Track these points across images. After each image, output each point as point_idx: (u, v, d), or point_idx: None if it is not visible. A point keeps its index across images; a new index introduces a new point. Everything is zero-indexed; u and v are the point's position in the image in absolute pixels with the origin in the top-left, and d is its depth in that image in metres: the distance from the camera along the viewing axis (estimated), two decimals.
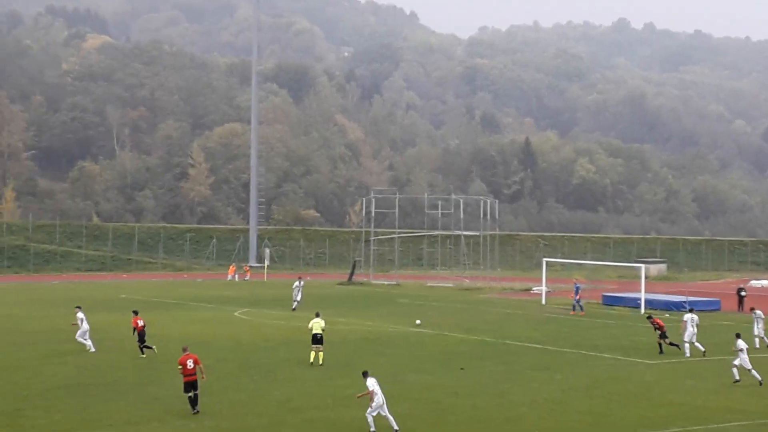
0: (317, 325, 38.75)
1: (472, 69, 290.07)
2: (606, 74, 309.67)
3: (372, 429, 26.79)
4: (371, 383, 27.36)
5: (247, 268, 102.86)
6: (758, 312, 45.82)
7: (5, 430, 26.57)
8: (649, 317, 45.38)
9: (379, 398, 27.11)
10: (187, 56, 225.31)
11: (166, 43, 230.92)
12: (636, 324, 46.37)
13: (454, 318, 58.43)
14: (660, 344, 42.94)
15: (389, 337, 48.41)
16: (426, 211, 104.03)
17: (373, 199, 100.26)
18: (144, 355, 40.48)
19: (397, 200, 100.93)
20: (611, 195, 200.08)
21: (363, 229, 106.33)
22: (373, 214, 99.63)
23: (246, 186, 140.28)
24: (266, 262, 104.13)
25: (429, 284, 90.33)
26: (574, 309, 61.85)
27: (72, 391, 31.48)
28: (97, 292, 77.59)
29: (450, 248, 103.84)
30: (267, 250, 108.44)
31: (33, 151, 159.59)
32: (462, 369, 38.04)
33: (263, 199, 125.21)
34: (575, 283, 64.20)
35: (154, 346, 40.77)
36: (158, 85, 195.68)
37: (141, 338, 40.92)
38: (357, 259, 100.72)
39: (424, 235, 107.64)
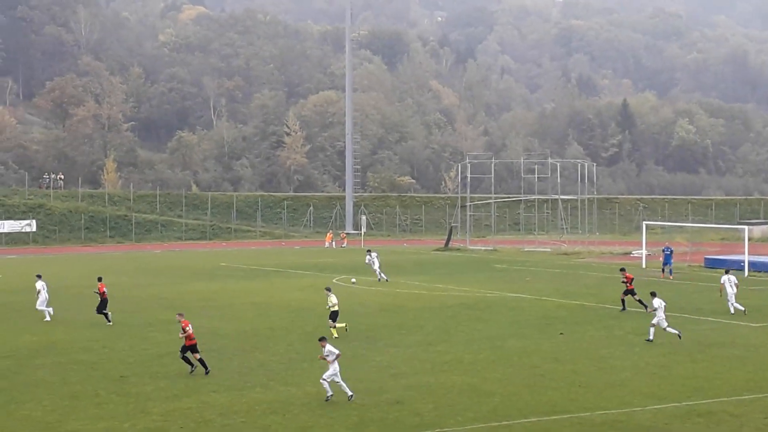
0: (331, 300, 37.59)
1: (568, 30, 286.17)
2: (705, 32, 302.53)
3: (329, 393, 26.38)
4: (330, 348, 26.83)
5: (344, 235, 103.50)
6: None
7: (112, 396, 27.14)
8: (622, 269, 45.64)
9: (336, 365, 26.50)
10: (281, 25, 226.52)
11: (260, 12, 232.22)
12: (741, 287, 45.45)
13: (552, 283, 58.01)
14: (623, 300, 44.19)
15: (487, 302, 48.26)
16: (522, 176, 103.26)
17: (469, 165, 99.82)
18: (110, 323, 40.46)
19: (492, 165, 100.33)
20: (712, 156, 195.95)
21: (459, 195, 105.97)
22: (468, 179, 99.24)
23: (341, 153, 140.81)
24: (363, 229, 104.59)
25: (526, 249, 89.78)
26: (663, 272, 61.29)
27: (176, 358, 32.01)
28: (198, 260, 78.87)
29: (547, 213, 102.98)
30: (363, 217, 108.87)
31: (132, 123, 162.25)
32: (561, 334, 37.75)
33: (359, 167, 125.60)
34: (666, 246, 63.47)
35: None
36: (253, 55, 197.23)
37: (103, 305, 40.93)
38: (453, 224, 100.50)
39: (520, 200, 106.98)
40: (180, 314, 31.60)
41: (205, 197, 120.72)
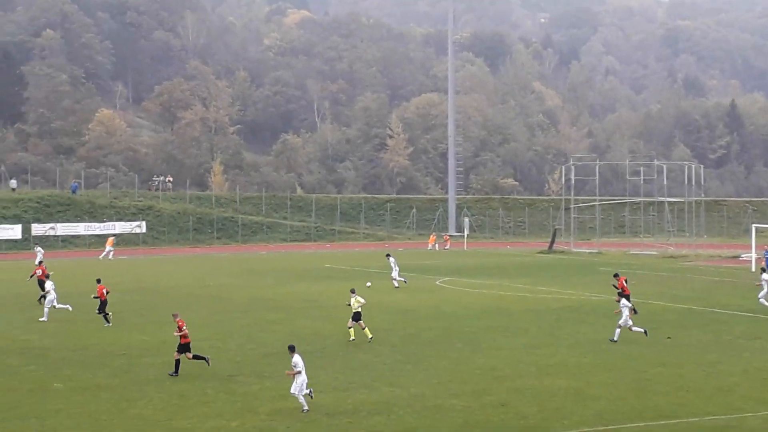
0: (356, 302, 37.11)
1: (674, 31, 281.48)
2: None
3: (304, 408, 25.64)
4: (296, 360, 26.08)
5: (447, 237, 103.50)
6: None
7: (220, 395, 27.65)
8: (616, 275, 43.68)
9: (303, 376, 25.79)
10: (384, 28, 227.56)
11: (363, 15, 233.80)
12: None
13: (658, 286, 57.22)
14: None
15: (592, 305, 47.85)
16: (627, 178, 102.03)
17: (573, 167, 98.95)
18: (109, 324, 41.15)
19: (597, 167, 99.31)
20: None
21: (563, 197, 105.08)
22: (572, 181, 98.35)
23: (444, 156, 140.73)
24: (466, 232, 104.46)
25: (632, 252, 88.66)
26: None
27: (282, 358, 32.41)
28: (303, 262, 79.70)
29: (653, 215, 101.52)
30: (466, 220, 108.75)
31: (238, 126, 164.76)
32: (668, 338, 37.25)
33: (461, 169, 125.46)
34: (766, 249, 62.16)
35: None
36: (356, 58, 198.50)
37: (103, 306, 41.75)
38: (557, 227, 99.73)
39: (626, 202, 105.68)
40: (175, 314, 32.07)
41: (310, 199, 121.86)
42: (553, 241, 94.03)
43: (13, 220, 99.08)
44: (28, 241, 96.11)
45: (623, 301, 37.10)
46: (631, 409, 25.85)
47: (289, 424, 24.40)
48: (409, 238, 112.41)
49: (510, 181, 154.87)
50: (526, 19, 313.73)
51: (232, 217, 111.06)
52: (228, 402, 26.76)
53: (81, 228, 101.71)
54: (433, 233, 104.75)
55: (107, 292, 42.18)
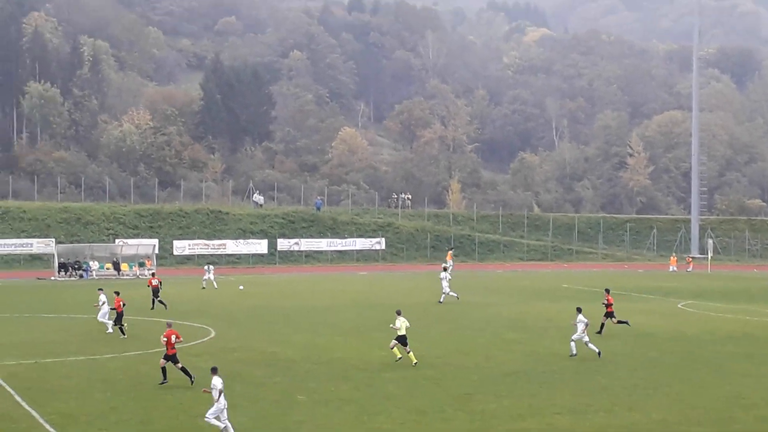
0: (403, 324, 35.73)
1: None
2: None
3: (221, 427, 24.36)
4: (214, 382, 24.59)
5: (690, 259, 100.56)
6: None
7: (458, 413, 27.79)
8: (607, 290, 45.28)
9: (222, 402, 24.31)
10: (625, 45, 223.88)
11: (603, 32, 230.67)
12: None
13: None
14: (602, 324, 43.68)
15: None
16: None
17: None
18: (125, 336, 42.17)
19: None
20: None
21: None
22: None
23: (687, 175, 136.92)
24: (709, 254, 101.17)
25: None
26: None
27: (519, 378, 32.40)
28: (539, 281, 79.20)
29: None
30: (710, 241, 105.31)
31: (476, 144, 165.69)
32: None
33: (705, 189, 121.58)
34: None
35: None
36: (596, 75, 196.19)
37: (119, 318, 42.85)
38: None
39: None
40: (169, 323, 32.33)
41: (547, 218, 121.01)
42: None
43: (260, 235, 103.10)
44: (274, 256, 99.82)
45: (579, 316, 37.20)
46: None
47: None
48: (649, 260, 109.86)
49: (757, 201, 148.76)
50: None
51: (469, 235, 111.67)
52: (466, 420, 26.86)
53: (324, 244, 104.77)
54: (674, 255, 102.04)
55: (124, 305, 43.46)
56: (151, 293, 54.79)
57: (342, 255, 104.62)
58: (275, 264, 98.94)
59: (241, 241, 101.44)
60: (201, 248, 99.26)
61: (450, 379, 32.72)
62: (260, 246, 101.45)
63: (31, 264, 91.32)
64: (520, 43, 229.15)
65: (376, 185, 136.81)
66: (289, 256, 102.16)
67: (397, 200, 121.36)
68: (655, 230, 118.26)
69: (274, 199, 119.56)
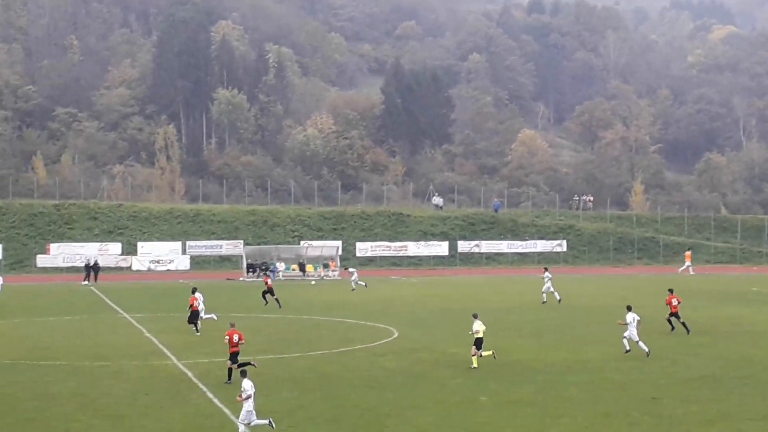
0: (480, 327, 35.04)
1: None
2: None
3: None
4: (245, 385, 24.12)
5: None
6: None
7: (644, 417, 27.34)
8: (671, 291, 45.02)
9: (250, 404, 23.84)
10: None
11: None
12: None
13: None
14: (669, 320, 44.47)
15: None
16: None
17: None
18: (198, 333, 43.79)
19: None
20: None
21: None
22: None
23: None
24: None
25: None
26: None
27: (707, 383, 31.67)
28: (728, 284, 77.08)
29: None
30: None
31: (659, 144, 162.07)
32: None
33: None
34: None
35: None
36: None
37: (193, 316, 44.62)
38: None
39: None
40: (232, 324, 33.07)
41: (735, 220, 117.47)
42: None
43: (441, 237, 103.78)
44: (454, 258, 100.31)
45: (628, 315, 37.95)
46: None
47: None
48: None
49: None
50: None
51: (653, 237, 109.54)
52: (652, 425, 26.39)
53: (504, 246, 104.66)
54: None
55: (198, 304, 45.16)
56: (267, 292, 57.12)
57: (522, 257, 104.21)
58: (455, 266, 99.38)
59: (422, 243, 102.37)
60: (383, 250, 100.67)
61: (635, 383, 32.21)
62: (441, 248, 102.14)
63: (220, 265, 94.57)
64: (706, 41, 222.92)
65: (557, 187, 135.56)
66: (470, 258, 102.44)
67: (579, 202, 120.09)
68: None
69: (453, 201, 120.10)
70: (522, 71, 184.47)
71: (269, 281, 58.42)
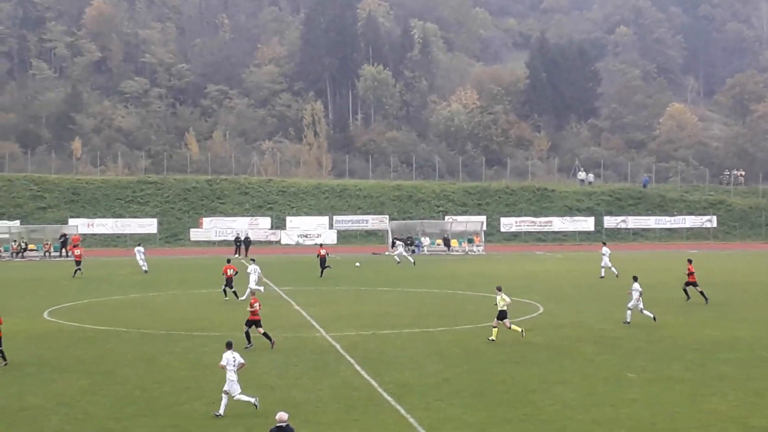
0: (501, 300, 34.91)
1: None
2: None
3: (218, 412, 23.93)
4: (225, 356, 24.58)
5: None
6: None
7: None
8: (689, 260, 47.44)
9: (231, 376, 24.21)
10: None
11: None
12: None
13: None
14: (685, 290, 46.68)
15: None
16: None
17: None
18: (227, 298, 47.01)
19: None
20: None
21: None
22: None
23: None
24: None
25: None
26: None
27: None
28: None
29: None
30: None
31: None
32: None
33: None
34: None
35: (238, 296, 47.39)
36: None
37: (228, 283, 47.04)
38: None
39: None
40: (252, 293, 35.30)
41: None
42: None
43: (587, 212, 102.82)
44: (600, 234, 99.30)
45: (635, 285, 39.05)
46: None
47: None
48: None
49: None
50: None
51: None
52: None
53: (651, 221, 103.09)
54: None
55: (235, 273, 47.35)
56: (319, 263, 59.06)
57: (671, 233, 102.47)
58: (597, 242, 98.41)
59: (567, 218, 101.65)
60: (528, 225, 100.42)
61: None
62: (586, 223, 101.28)
63: (366, 239, 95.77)
64: None
65: (707, 162, 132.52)
66: (616, 234, 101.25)
67: (729, 177, 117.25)
68: None
69: (599, 177, 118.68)
70: (671, 44, 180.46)
71: (322, 251, 60.17)
